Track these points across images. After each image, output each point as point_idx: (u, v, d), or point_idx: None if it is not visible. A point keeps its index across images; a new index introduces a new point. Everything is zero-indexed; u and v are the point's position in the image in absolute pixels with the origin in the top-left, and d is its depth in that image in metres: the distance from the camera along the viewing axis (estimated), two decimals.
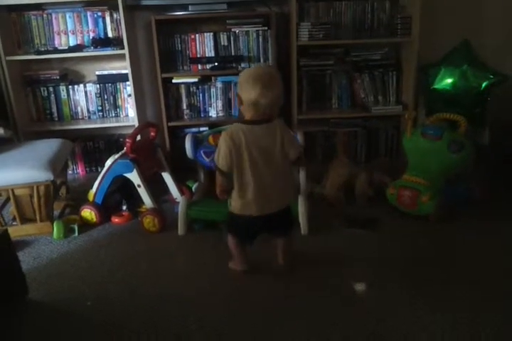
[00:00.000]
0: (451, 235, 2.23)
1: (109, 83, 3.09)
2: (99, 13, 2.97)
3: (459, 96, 2.70)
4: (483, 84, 2.70)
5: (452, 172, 2.37)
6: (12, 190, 2.27)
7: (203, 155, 2.39)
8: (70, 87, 3.09)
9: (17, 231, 2.28)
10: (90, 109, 3.14)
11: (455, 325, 1.59)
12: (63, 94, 3.10)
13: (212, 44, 3.00)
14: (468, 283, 1.84)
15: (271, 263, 1.96)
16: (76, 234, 2.36)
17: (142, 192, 2.39)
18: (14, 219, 2.40)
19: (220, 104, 3.10)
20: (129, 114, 3.15)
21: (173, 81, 3.02)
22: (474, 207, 2.44)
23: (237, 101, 1.78)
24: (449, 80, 2.73)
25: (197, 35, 2.98)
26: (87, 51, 2.89)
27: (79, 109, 3.14)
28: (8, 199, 2.45)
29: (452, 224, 2.30)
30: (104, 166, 2.49)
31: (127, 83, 3.02)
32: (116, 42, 2.90)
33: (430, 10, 2.88)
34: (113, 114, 3.16)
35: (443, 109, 2.52)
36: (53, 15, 2.96)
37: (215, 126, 2.87)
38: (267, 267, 1.96)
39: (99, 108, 3.14)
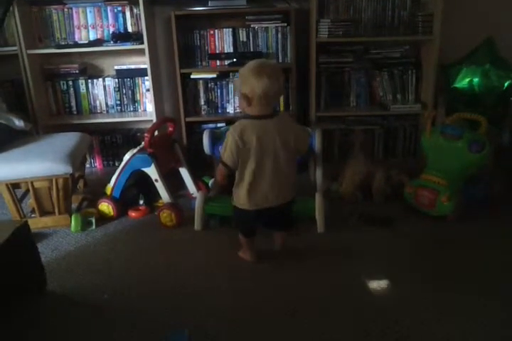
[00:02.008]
0: (469, 236, 2.20)
1: (127, 78, 3.10)
2: (120, 8, 2.98)
3: (481, 96, 2.66)
4: (506, 84, 2.66)
5: (472, 173, 2.34)
6: (31, 183, 2.30)
7: None
8: (89, 81, 3.11)
9: (36, 223, 2.30)
10: (109, 103, 3.16)
11: (472, 329, 1.58)
12: (82, 88, 3.12)
13: (231, 40, 3.00)
14: (487, 285, 1.82)
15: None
16: (93, 227, 2.38)
17: (159, 186, 2.40)
18: (33, 211, 2.43)
19: (237, 100, 3.10)
20: (147, 108, 3.16)
21: (192, 76, 3.02)
22: (493, 208, 2.41)
23: (242, 102, 1.74)
24: (471, 79, 2.69)
25: (216, 30, 2.98)
26: (107, 45, 2.90)
27: (97, 103, 3.16)
28: (27, 192, 2.48)
29: (470, 225, 2.28)
30: (121, 160, 2.51)
31: (146, 78, 3.03)
32: (136, 37, 2.91)
33: (452, 7, 2.84)
34: (131, 109, 3.18)
35: (463, 108, 2.50)
36: (74, 10, 2.98)
37: (232, 122, 2.85)
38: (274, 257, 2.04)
39: (118, 102, 3.15)
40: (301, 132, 1.87)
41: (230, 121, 2.97)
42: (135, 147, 2.52)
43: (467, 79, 2.71)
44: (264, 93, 1.68)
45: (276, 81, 1.69)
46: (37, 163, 2.28)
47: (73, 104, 3.14)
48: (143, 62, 2.96)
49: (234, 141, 1.72)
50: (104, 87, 3.13)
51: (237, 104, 3.10)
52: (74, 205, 2.56)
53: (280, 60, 3.03)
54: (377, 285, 1.85)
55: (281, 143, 1.76)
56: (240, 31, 2.98)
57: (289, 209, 1.94)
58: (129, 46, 2.87)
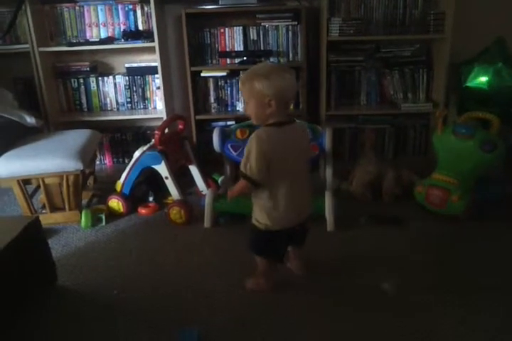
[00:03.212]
0: (480, 236, 2.18)
1: (138, 75, 3.12)
2: (130, 6, 2.99)
3: (493, 95, 2.64)
4: None
5: (483, 172, 2.32)
6: (42, 179, 2.31)
7: (231, 149, 2.39)
8: (100, 78, 3.13)
9: (46, 219, 2.31)
10: (119, 100, 3.17)
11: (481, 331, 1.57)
12: (93, 85, 3.14)
13: (241, 38, 3.00)
14: (499, 286, 1.80)
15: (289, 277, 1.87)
16: (103, 223, 2.39)
17: (169, 184, 2.40)
18: (43, 207, 2.44)
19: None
20: (157, 106, 3.17)
21: (202, 74, 3.03)
22: (505, 208, 2.39)
23: (259, 109, 1.52)
24: (483, 78, 2.67)
25: (226, 28, 2.98)
26: (118, 43, 2.92)
27: (108, 100, 3.18)
28: (38, 188, 2.49)
29: (482, 225, 2.26)
30: (131, 158, 2.52)
31: (156, 76, 3.04)
32: (147, 35, 2.92)
33: (464, 5, 2.81)
34: (141, 106, 3.19)
35: (475, 107, 2.47)
36: (85, 8, 2.99)
37: (241, 120, 2.86)
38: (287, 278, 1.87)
39: (128, 100, 3.17)
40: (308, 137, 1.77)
41: (239, 119, 2.97)
42: (145, 144, 2.53)
43: (479, 78, 2.69)
44: (290, 93, 1.54)
45: (295, 80, 1.57)
46: (48, 159, 2.29)
47: (84, 101, 3.16)
48: (153, 60, 2.97)
49: (261, 152, 1.51)
50: (115, 84, 3.14)
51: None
52: (84, 202, 2.57)
53: (290, 59, 3.03)
54: (387, 285, 1.82)
55: (303, 151, 1.65)
56: (251, 29, 2.99)
57: (308, 221, 1.79)
58: (139, 44, 2.88)
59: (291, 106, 3.03)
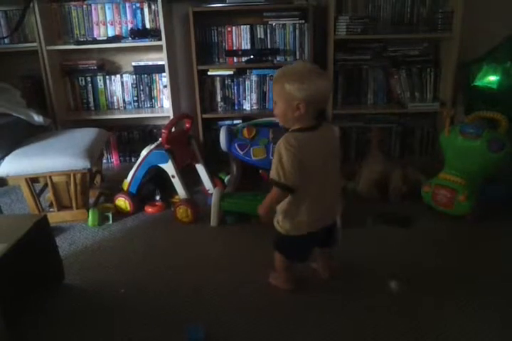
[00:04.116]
0: (488, 236, 2.18)
1: (145, 74, 3.12)
2: (138, 4, 2.99)
3: (501, 95, 2.61)
4: None
5: (491, 172, 2.31)
6: (50, 177, 2.32)
7: (237, 148, 2.40)
8: (107, 77, 3.13)
9: (54, 217, 2.32)
10: (126, 99, 3.18)
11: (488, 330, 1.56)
12: (100, 84, 3.14)
13: (248, 37, 2.99)
14: (505, 285, 1.80)
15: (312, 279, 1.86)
16: (110, 222, 2.40)
17: (176, 182, 2.41)
18: (51, 205, 2.45)
19: (254, 97, 3.09)
20: (164, 105, 3.17)
21: (209, 73, 3.02)
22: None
23: (289, 111, 1.50)
24: (491, 78, 2.65)
25: (233, 27, 2.98)
26: (125, 42, 2.92)
27: (115, 99, 3.18)
28: (45, 186, 2.51)
29: (490, 225, 2.25)
30: (138, 156, 2.52)
31: (163, 74, 3.04)
32: (154, 33, 2.92)
33: (472, 4, 2.79)
34: (148, 105, 3.19)
35: (483, 107, 2.45)
36: (93, 6, 2.99)
37: (248, 119, 2.86)
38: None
39: (135, 98, 3.17)
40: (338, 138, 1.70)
41: (246, 118, 2.96)
42: (152, 143, 2.53)
43: (487, 78, 2.67)
44: (321, 99, 1.49)
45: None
46: (55, 157, 2.30)
47: (91, 99, 3.17)
48: (160, 59, 2.97)
49: (294, 157, 1.47)
50: (122, 83, 3.14)
51: (254, 101, 3.09)
52: (91, 200, 2.58)
53: (297, 57, 3.02)
54: (393, 285, 1.82)
55: (333, 153, 1.60)
56: (258, 28, 2.98)
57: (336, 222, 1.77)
58: (146, 42, 2.88)
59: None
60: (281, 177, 1.50)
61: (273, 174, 1.52)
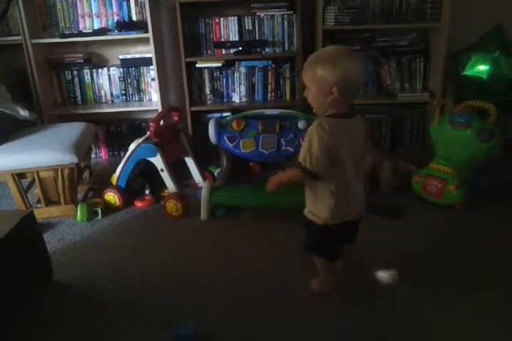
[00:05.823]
0: (478, 224, 2.19)
1: (132, 67, 3.08)
2: None
3: (490, 84, 2.61)
4: None
5: (480, 162, 2.31)
6: (37, 173, 2.29)
7: (227, 141, 2.38)
8: (94, 70, 3.09)
9: (41, 213, 2.30)
10: (114, 92, 3.14)
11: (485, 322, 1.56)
12: (87, 77, 3.10)
13: (236, 28, 2.97)
14: (497, 274, 1.80)
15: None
16: (99, 217, 2.38)
17: (165, 176, 2.39)
18: (39, 201, 2.42)
19: (243, 89, 3.07)
20: (152, 98, 3.14)
21: (197, 65, 3.00)
22: (501, 197, 2.39)
23: (321, 96, 1.45)
24: (480, 67, 2.64)
25: (221, 18, 2.95)
26: (111, 34, 2.88)
27: (102, 92, 3.14)
28: (33, 182, 2.47)
29: (479, 214, 2.26)
30: (127, 150, 2.50)
31: (151, 67, 3.00)
32: (141, 25, 2.88)
33: None
34: (136, 98, 3.16)
35: (473, 96, 2.45)
36: None
37: (237, 111, 2.84)
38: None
39: (123, 92, 3.14)
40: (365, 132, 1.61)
41: (235, 110, 2.94)
42: (140, 137, 2.51)
43: (477, 67, 2.67)
44: (355, 81, 1.43)
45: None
46: (42, 152, 2.27)
47: (78, 93, 3.13)
48: (148, 51, 2.94)
49: (324, 143, 1.43)
50: (109, 76, 3.11)
51: (243, 93, 3.07)
52: (79, 195, 2.55)
53: (286, 48, 3.00)
54: (385, 276, 1.83)
55: (361, 146, 1.54)
56: (246, 19, 2.95)
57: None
58: (133, 35, 2.84)
59: (286, 95, 3.03)
60: (306, 161, 1.46)
61: (301, 156, 1.48)
